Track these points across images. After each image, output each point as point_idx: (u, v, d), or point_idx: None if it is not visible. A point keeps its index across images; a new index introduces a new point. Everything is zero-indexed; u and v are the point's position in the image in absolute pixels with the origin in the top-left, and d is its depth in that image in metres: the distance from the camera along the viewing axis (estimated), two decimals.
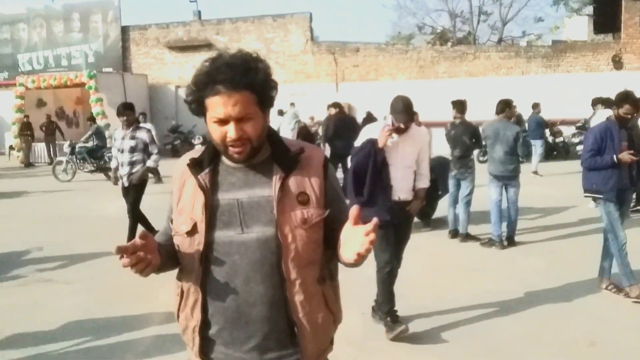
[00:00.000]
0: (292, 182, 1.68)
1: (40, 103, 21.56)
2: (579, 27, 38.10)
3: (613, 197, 4.98)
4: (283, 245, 1.64)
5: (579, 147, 15.80)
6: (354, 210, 1.49)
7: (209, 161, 1.72)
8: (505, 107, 7.04)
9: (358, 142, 4.42)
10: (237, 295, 1.66)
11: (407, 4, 44.11)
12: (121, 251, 1.50)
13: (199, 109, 1.63)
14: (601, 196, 5.04)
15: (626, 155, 4.89)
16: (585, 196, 5.33)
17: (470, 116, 7.47)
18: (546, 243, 6.97)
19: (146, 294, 5.11)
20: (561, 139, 16.88)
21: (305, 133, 11.80)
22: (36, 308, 5.12)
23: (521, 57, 19.75)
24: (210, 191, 1.69)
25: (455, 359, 3.99)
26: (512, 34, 32.01)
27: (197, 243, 1.67)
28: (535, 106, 13.54)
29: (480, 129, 7.31)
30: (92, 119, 17.25)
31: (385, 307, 4.33)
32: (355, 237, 1.46)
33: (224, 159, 1.72)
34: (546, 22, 41.04)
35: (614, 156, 4.90)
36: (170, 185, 1.81)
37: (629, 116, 5.00)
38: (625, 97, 5.01)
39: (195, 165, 1.71)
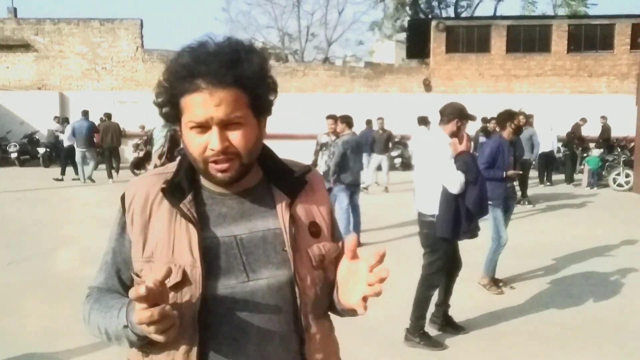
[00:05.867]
0: (301, 210, 1.32)
1: None
2: (389, 51, 42.11)
3: (501, 203, 5.79)
4: (301, 290, 1.26)
5: (397, 161, 17.74)
6: (350, 242, 1.17)
7: (188, 185, 1.27)
8: (351, 121, 7.74)
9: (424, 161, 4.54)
10: None
11: (239, 18, 44.80)
12: (144, 298, 1.04)
13: (174, 114, 1.22)
14: (491, 202, 5.70)
15: (512, 173, 5.87)
16: None
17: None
18: (385, 243, 7.82)
19: None
20: None
21: (176, 139, 11.43)
22: None
23: (346, 76, 21.33)
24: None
25: None
26: (336, 54, 34.42)
27: (187, 298, 1.19)
28: (379, 119, 13.92)
29: (339, 141, 7.60)
30: None
31: (420, 319, 4.60)
32: (357, 275, 1.16)
33: (204, 182, 1.29)
34: (366, 45, 44.62)
35: (504, 173, 5.77)
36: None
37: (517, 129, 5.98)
38: (510, 116, 5.95)
39: (174, 191, 1.25)
